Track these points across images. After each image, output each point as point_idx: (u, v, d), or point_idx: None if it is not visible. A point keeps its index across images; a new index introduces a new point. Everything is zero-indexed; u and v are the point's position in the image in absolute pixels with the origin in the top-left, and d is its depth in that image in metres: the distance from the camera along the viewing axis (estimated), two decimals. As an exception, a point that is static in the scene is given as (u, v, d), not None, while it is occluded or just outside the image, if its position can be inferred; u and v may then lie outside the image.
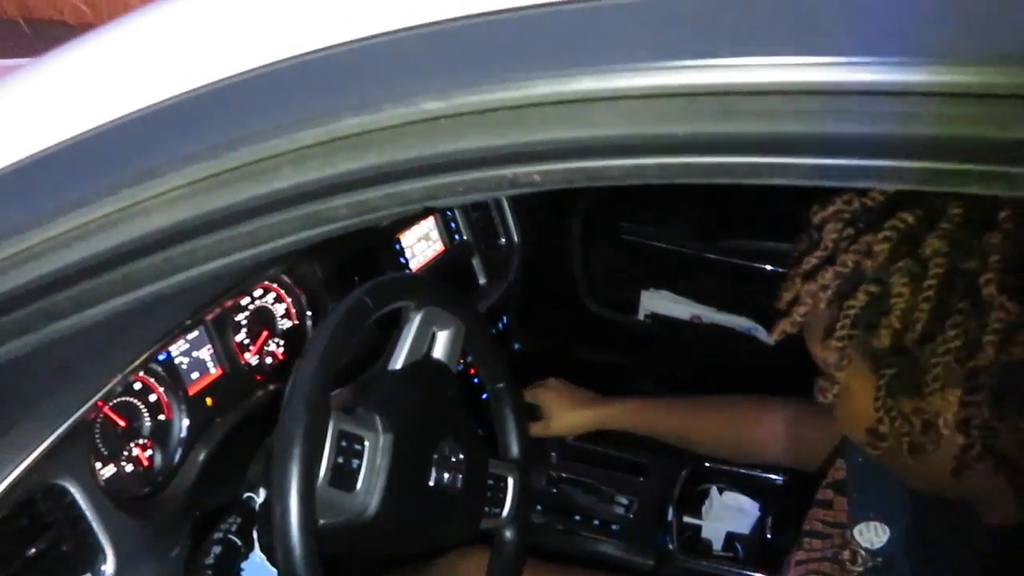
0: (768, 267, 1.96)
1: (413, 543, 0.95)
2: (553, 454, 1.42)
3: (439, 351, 0.92)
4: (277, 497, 0.69)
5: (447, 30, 0.38)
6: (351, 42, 0.40)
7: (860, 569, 0.67)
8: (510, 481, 0.98)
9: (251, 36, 0.43)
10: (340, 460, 0.75)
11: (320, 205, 0.43)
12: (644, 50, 0.34)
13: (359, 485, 0.77)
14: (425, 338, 0.90)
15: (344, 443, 0.76)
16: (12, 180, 0.45)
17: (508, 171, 0.41)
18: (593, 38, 0.36)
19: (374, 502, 0.78)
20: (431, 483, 0.85)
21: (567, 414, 1.21)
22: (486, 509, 0.95)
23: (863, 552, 0.66)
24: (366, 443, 0.78)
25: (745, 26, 0.35)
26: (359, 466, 0.77)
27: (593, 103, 0.35)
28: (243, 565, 0.89)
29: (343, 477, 0.76)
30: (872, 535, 0.66)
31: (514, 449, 1.01)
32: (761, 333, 2.05)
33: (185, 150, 0.42)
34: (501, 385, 0.99)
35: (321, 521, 0.74)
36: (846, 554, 0.67)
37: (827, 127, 0.33)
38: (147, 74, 0.46)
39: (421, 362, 0.89)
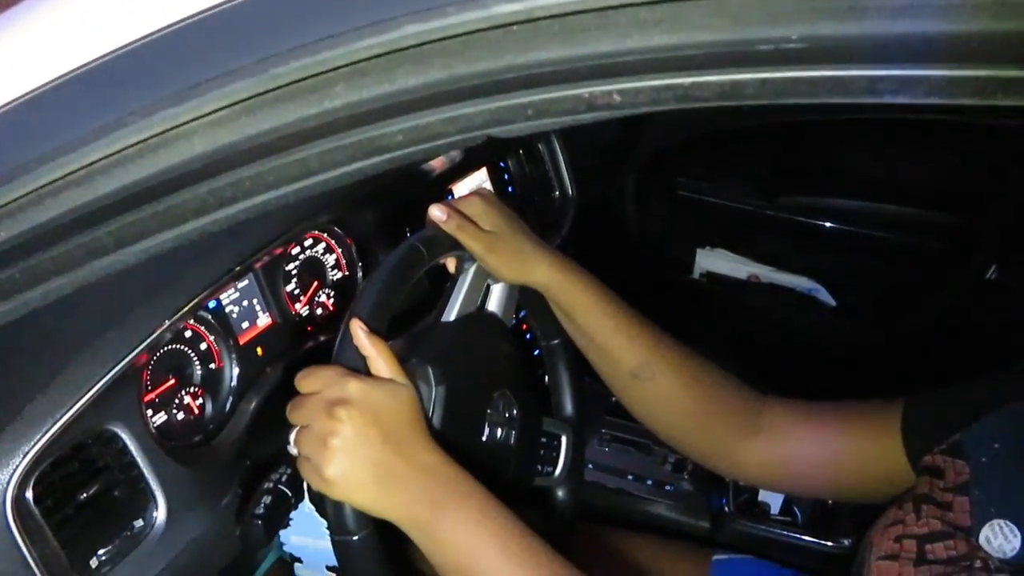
0: (828, 224, 1.88)
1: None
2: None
3: (493, 304, 0.90)
4: (327, 448, 0.67)
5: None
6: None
7: None
8: (563, 440, 0.95)
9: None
10: (391, 412, 0.73)
11: (375, 131, 0.39)
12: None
13: None
14: (479, 290, 0.87)
15: (396, 394, 0.73)
16: (44, 101, 0.42)
17: (585, 90, 0.36)
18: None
19: (425, 456, 0.76)
20: (483, 438, 0.83)
21: (527, 260, 0.85)
22: (538, 468, 0.93)
23: (994, 560, 0.60)
24: (418, 395, 0.75)
25: None
26: None
27: (693, 1, 0.30)
28: (292, 515, 0.89)
29: (394, 429, 0.73)
30: (1002, 540, 0.60)
31: (568, 407, 0.98)
32: (822, 293, 1.97)
33: (228, 66, 0.38)
34: (556, 342, 0.96)
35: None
36: (977, 563, 0.61)
37: (988, 24, 0.27)
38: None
39: (475, 315, 0.86)
